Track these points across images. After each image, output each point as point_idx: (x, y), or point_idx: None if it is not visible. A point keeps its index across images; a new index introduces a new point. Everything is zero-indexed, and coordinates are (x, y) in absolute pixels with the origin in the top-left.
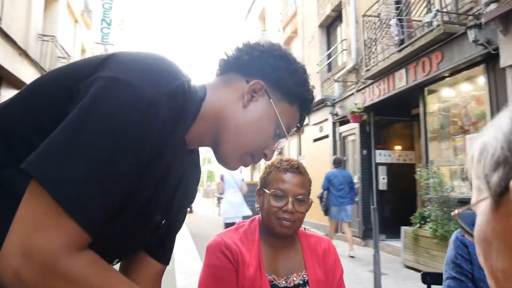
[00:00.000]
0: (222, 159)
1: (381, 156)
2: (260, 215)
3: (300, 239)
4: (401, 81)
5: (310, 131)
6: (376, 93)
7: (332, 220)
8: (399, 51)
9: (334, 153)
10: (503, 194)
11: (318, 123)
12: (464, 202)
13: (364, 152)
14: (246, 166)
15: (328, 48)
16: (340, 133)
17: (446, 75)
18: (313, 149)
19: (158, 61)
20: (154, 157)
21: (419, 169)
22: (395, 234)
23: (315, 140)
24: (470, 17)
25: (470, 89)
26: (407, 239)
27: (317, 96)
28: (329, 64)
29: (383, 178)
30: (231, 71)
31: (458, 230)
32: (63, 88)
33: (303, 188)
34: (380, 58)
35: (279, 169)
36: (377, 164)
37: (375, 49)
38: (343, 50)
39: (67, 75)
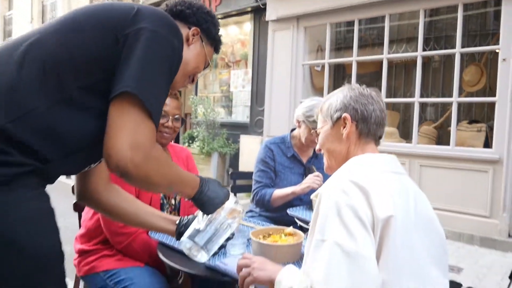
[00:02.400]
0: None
1: None
2: None
3: (168, 148)
4: None
5: None
6: None
7: None
8: None
9: None
10: (337, 121)
11: None
12: (225, 125)
13: None
14: (184, 87)
15: None
16: None
17: (221, 17)
18: None
19: (170, 18)
20: None
21: (192, 96)
22: None
23: None
24: None
25: (238, 33)
26: None
27: None
28: None
29: None
30: (176, 20)
31: (267, 140)
32: (108, 32)
33: (179, 110)
34: None
35: None
36: None
37: None
38: None
39: (105, 19)
